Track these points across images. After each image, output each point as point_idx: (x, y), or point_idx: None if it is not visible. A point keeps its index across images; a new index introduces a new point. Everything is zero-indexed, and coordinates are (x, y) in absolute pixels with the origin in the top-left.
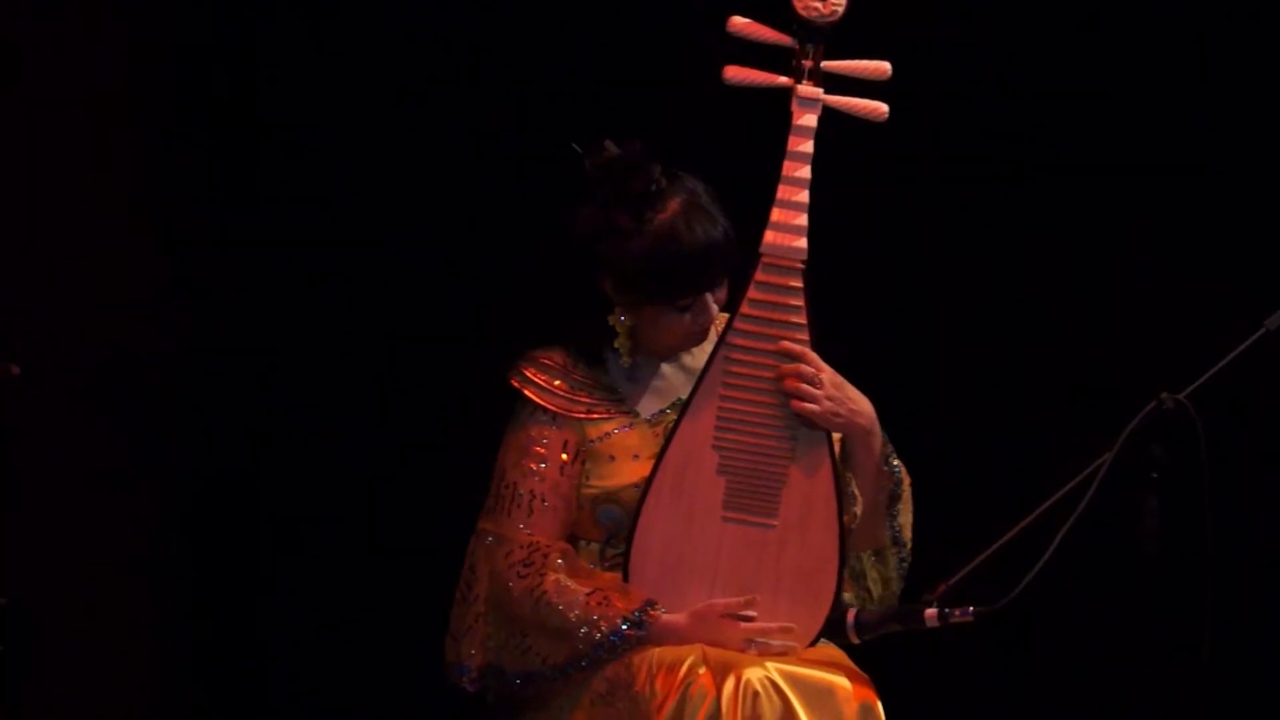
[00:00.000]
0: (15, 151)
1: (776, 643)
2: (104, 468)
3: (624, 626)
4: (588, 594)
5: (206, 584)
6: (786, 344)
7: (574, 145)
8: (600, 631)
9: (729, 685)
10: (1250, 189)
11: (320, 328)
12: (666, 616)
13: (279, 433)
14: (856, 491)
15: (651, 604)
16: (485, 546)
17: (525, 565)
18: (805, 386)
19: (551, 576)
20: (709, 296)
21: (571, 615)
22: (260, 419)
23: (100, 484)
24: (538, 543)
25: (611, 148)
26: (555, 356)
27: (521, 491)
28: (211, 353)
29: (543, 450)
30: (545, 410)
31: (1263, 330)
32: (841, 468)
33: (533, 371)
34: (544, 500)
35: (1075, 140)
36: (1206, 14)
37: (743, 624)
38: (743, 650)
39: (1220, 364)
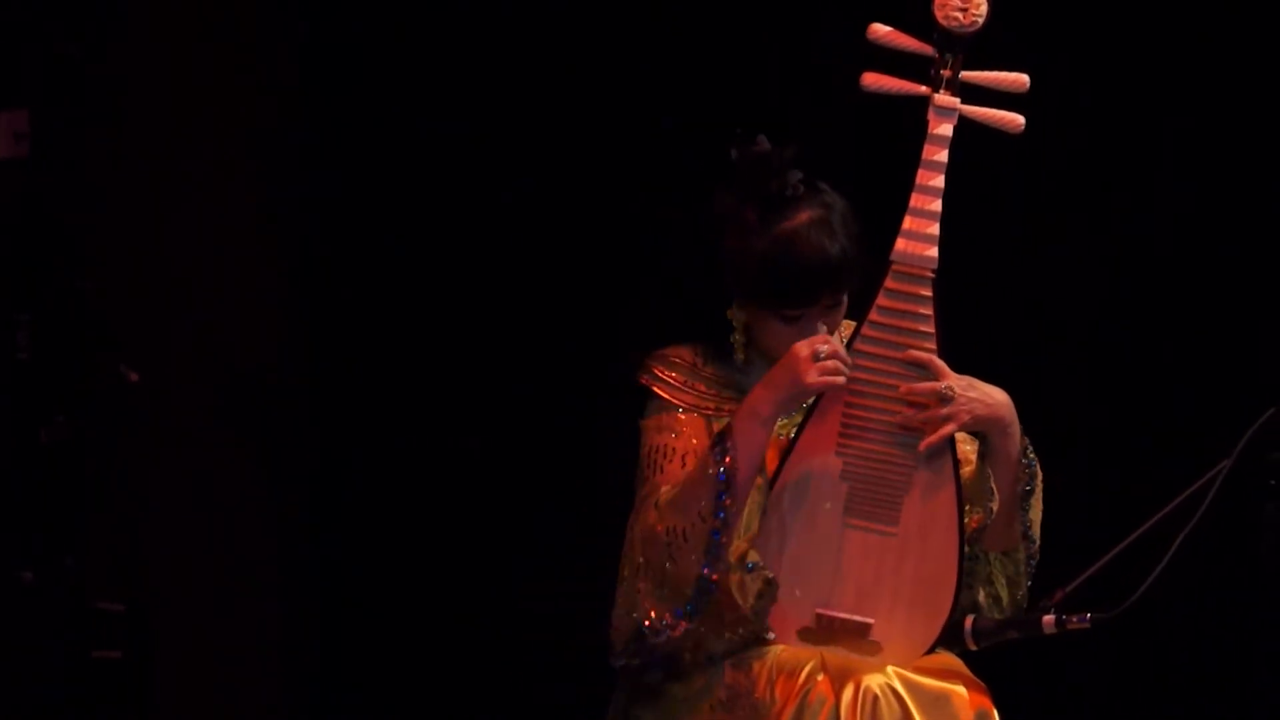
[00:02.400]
0: (142, 161)
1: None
2: (223, 473)
3: (724, 430)
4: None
5: (331, 588)
6: (914, 353)
7: (736, 130)
8: (712, 454)
9: (848, 692)
10: None
11: (444, 326)
12: (747, 399)
13: (402, 435)
14: (994, 486)
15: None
16: (635, 510)
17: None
18: (938, 410)
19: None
20: (817, 315)
21: (685, 481)
22: (383, 422)
23: (220, 489)
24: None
25: (764, 143)
26: (684, 354)
27: (673, 448)
28: (335, 358)
29: (683, 423)
30: (675, 404)
31: None
32: (980, 467)
33: (662, 369)
34: (689, 456)
35: (1199, 151)
36: None
37: (799, 345)
38: (822, 371)
39: None
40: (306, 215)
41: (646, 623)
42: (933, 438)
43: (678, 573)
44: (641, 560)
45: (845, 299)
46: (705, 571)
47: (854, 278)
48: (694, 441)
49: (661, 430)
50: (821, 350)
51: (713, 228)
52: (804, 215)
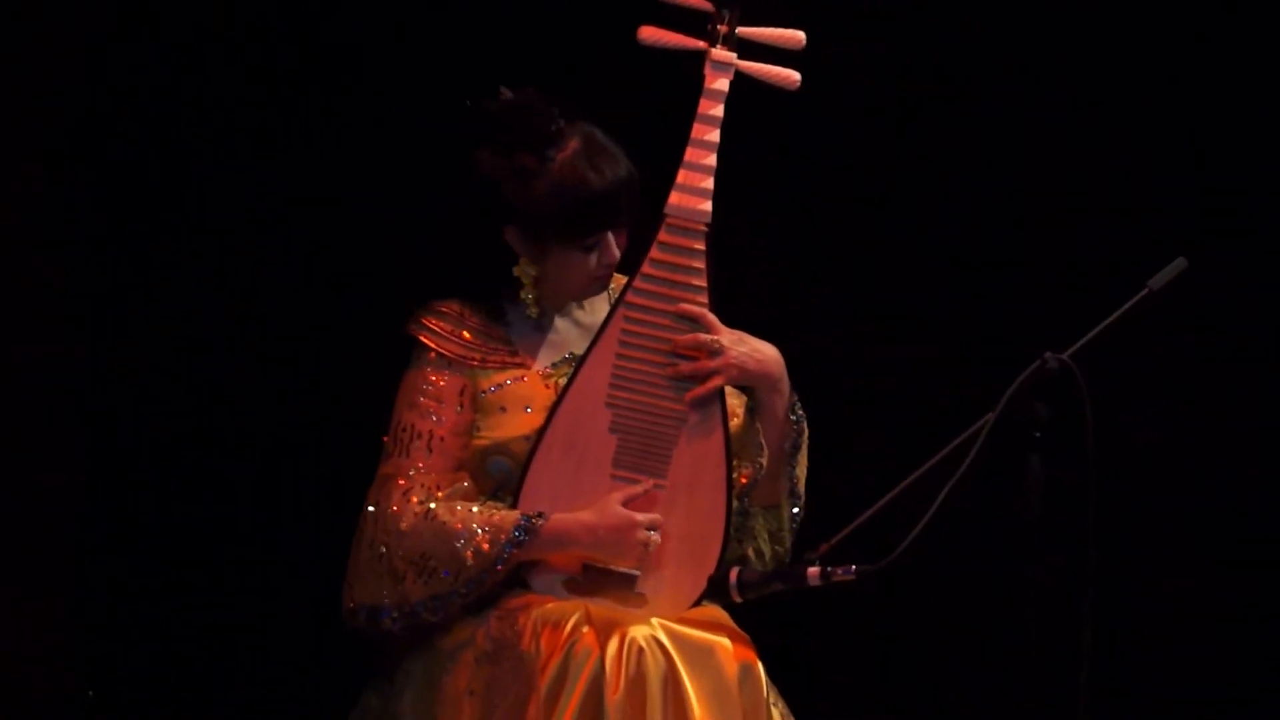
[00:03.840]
0: None
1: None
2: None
3: (524, 521)
4: (480, 508)
5: (111, 557)
6: (685, 306)
7: (467, 101)
8: (505, 533)
9: (613, 644)
10: (1130, 156)
11: (218, 290)
12: (560, 515)
13: (178, 405)
14: (763, 441)
15: (538, 515)
16: (380, 489)
17: (414, 498)
18: (707, 364)
19: (442, 502)
20: (611, 236)
21: (474, 525)
22: (158, 389)
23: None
24: (429, 477)
25: (506, 93)
26: (453, 306)
27: (420, 431)
28: (106, 347)
29: (438, 393)
30: (442, 356)
31: (1146, 290)
32: (748, 422)
33: (430, 320)
34: (441, 440)
35: (965, 108)
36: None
37: (639, 517)
38: (640, 550)
39: (1103, 324)
40: (71, 214)
41: (372, 602)
42: (700, 390)
43: (419, 584)
44: (367, 547)
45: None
46: (447, 590)
47: (641, 190)
48: (446, 417)
49: (414, 405)
50: (654, 537)
51: (483, 190)
52: (574, 144)
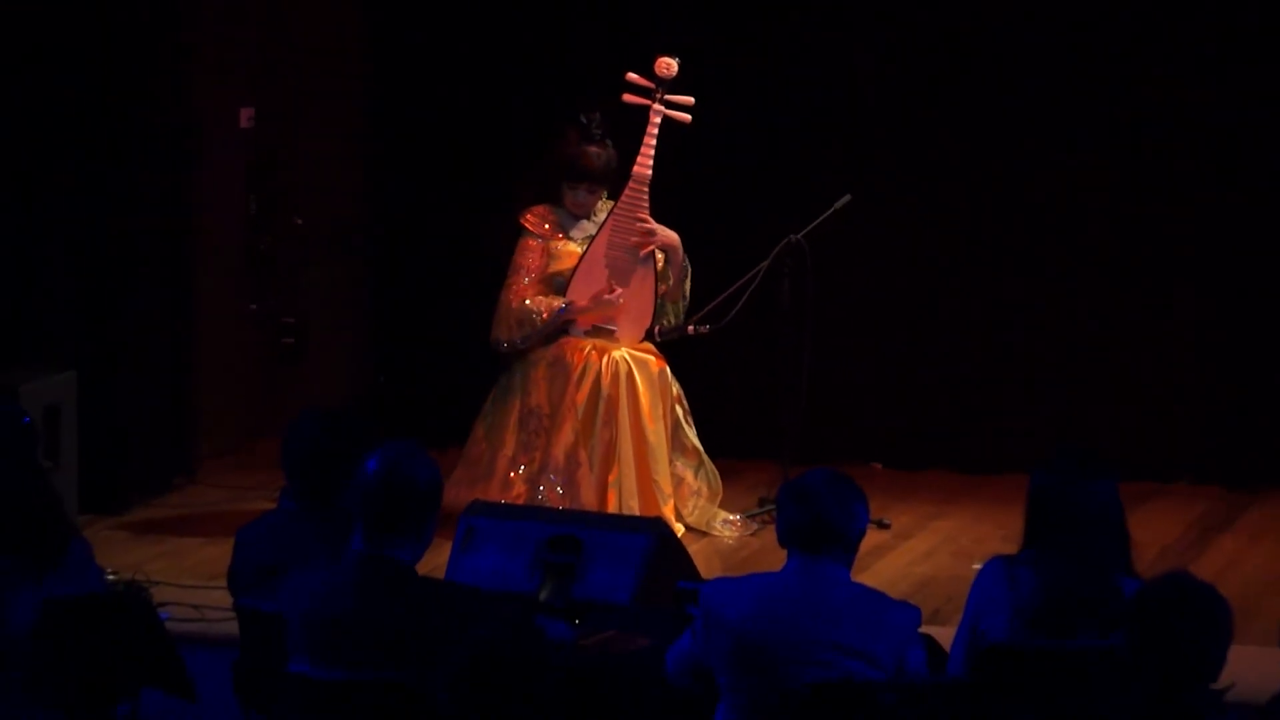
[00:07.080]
0: (287, 99)
1: (613, 301)
2: (344, 266)
3: (562, 304)
4: (544, 298)
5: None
6: (639, 215)
7: (580, 114)
8: (554, 308)
9: (605, 358)
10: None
11: (453, 193)
12: (575, 299)
13: (435, 269)
14: (670, 274)
15: (570, 302)
16: (504, 293)
17: (518, 298)
18: (651, 229)
19: (528, 298)
20: (587, 192)
21: (539, 305)
22: (424, 261)
23: (340, 272)
24: (526, 290)
25: (597, 115)
26: (540, 210)
27: (523, 266)
28: (397, 207)
29: (533, 250)
30: (535, 234)
31: (832, 209)
32: (660, 271)
33: (529, 215)
34: (534, 272)
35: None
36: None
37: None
38: (606, 308)
39: (814, 223)
40: (378, 132)
41: (503, 338)
42: (650, 243)
43: (520, 330)
44: (501, 314)
45: (604, 191)
46: (531, 332)
47: (607, 184)
48: (535, 262)
49: (521, 253)
50: (614, 298)
51: (559, 141)
52: (594, 148)
